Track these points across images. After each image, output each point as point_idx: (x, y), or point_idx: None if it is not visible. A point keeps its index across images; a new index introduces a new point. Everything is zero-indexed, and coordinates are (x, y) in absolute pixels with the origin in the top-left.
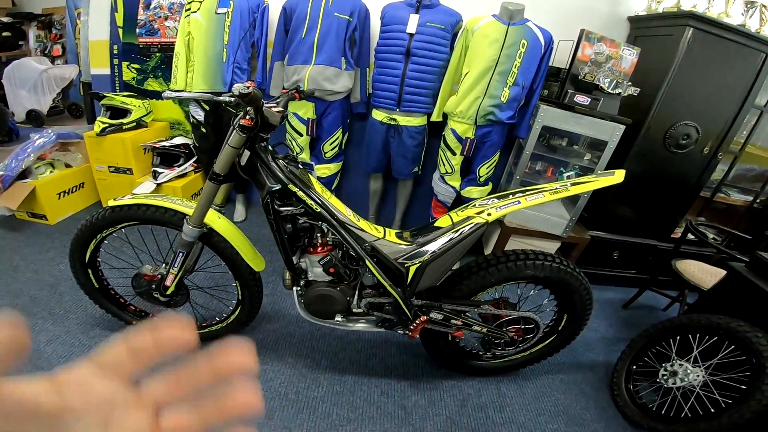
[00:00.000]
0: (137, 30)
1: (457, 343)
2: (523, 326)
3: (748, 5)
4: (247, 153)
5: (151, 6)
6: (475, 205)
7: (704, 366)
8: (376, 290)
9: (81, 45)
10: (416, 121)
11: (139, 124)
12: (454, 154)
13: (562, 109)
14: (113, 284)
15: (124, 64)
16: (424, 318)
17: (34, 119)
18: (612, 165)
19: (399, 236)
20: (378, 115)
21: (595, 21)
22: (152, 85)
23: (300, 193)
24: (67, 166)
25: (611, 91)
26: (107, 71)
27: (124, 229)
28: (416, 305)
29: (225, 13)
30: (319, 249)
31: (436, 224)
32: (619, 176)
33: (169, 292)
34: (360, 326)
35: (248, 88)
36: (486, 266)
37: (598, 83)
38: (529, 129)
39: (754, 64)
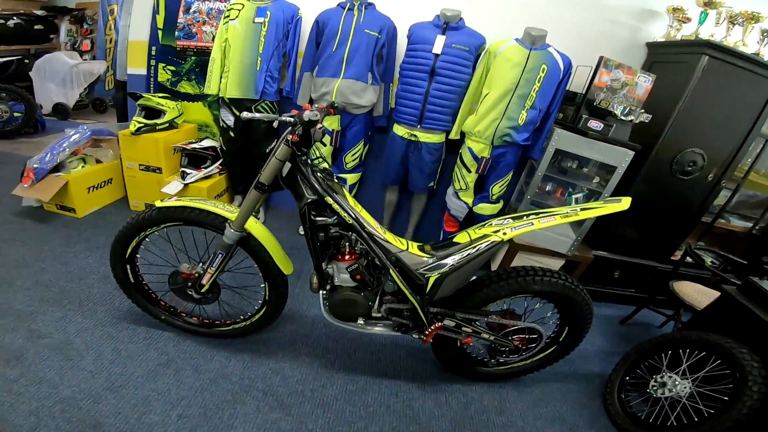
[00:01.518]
0: (176, 33)
1: (465, 350)
2: (527, 336)
3: (765, 34)
4: (288, 165)
5: (191, 10)
6: (491, 224)
7: (691, 378)
8: (396, 297)
9: (119, 44)
10: (436, 138)
11: (171, 125)
12: (469, 171)
13: (575, 133)
14: (147, 280)
15: (161, 65)
16: (438, 324)
17: (61, 112)
18: (619, 188)
19: (421, 249)
20: (399, 130)
21: (614, 46)
22: (185, 87)
23: (335, 206)
24: (98, 161)
25: (624, 118)
26: (143, 71)
27: (166, 229)
28: (432, 312)
29: (262, 23)
30: (347, 257)
31: (455, 240)
32: (625, 204)
33: (204, 290)
34: (378, 329)
35: (316, 115)
36: (498, 280)
37: (612, 110)
38: (542, 151)
39: (764, 93)
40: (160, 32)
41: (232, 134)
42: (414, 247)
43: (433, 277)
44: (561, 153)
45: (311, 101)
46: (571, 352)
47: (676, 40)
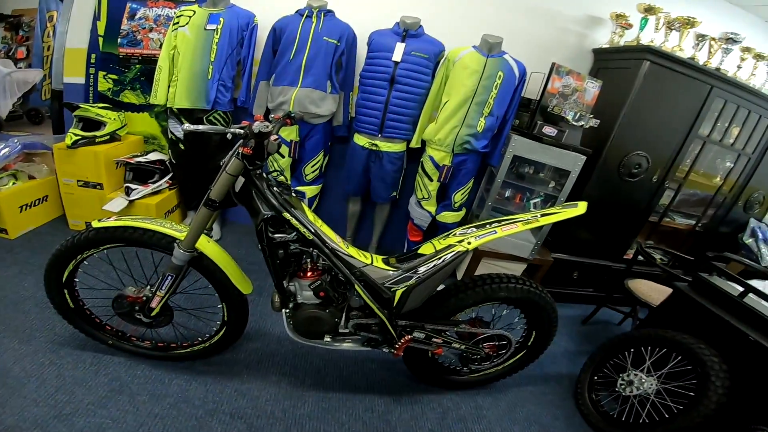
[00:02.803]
0: (118, 40)
1: (436, 360)
2: (497, 343)
3: (699, 38)
4: (241, 180)
5: (137, 17)
6: (455, 233)
7: (656, 375)
8: (363, 312)
9: (55, 51)
10: (396, 147)
11: (113, 137)
12: (431, 180)
13: (531, 139)
14: (89, 304)
15: (101, 74)
16: (408, 337)
17: None
18: (573, 192)
19: (386, 262)
20: (360, 140)
21: (563, 53)
22: (129, 97)
23: (294, 221)
24: (31, 177)
25: (575, 123)
26: (82, 80)
27: (106, 251)
28: (401, 325)
29: (214, 30)
30: (309, 274)
31: (419, 251)
32: (581, 208)
33: (154, 313)
34: (346, 345)
35: (267, 127)
36: (464, 289)
37: (564, 115)
38: (500, 157)
39: (700, 96)
40: (100, 39)
41: (182, 146)
42: (378, 261)
43: (400, 290)
44: (518, 159)
45: (268, 111)
46: (541, 355)
47: (619, 46)
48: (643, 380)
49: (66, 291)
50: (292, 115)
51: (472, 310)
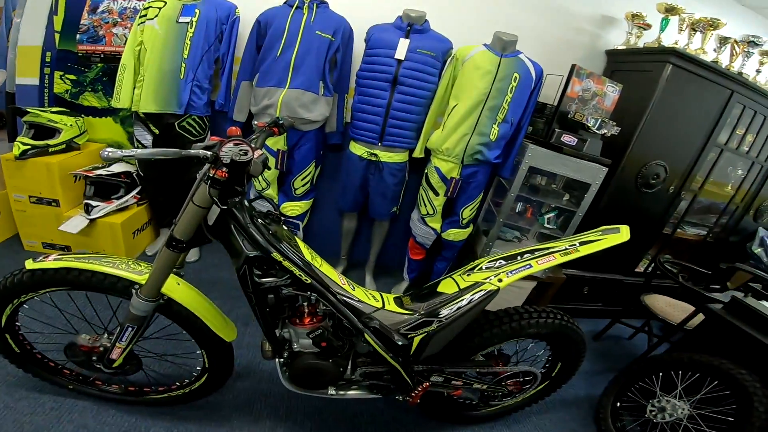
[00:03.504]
0: (78, 36)
1: (452, 398)
2: (521, 379)
3: (722, 41)
4: (216, 210)
5: (99, 10)
6: (481, 268)
7: (689, 401)
8: (373, 358)
9: (9, 49)
10: (398, 157)
11: (70, 146)
12: (437, 194)
13: (549, 149)
14: (40, 348)
15: (57, 74)
16: (426, 384)
17: None
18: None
19: (398, 303)
20: (357, 149)
21: (574, 53)
22: (89, 99)
23: (286, 263)
24: None
25: (596, 131)
26: (36, 81)
27: (49, 294)
28: (416, 371)
29: (188, 23)
30: (307, 320)
31: (439, 289)
32: (624, 234)
33: (116, 365)
34: (353, 393)
35: (246, 154)
36: (490, 327)
37: (585, 123)
38: (512, 169)
39: (720, 101)
40: (57, 35)
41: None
42: (391, 302)
43: (418, 337)
44: (532, 170)
45: (250, 116)
46: (564, 385)
47: (637, 48)
48: (677, 407)
49: (8, 336)
50: (281, 122)
51: (495, 346)
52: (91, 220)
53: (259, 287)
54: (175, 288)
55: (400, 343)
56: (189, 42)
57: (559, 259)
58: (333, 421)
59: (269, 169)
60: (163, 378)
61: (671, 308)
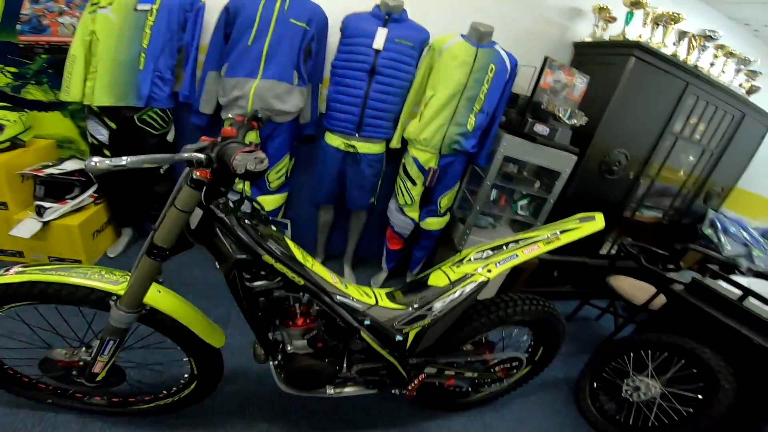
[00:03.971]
0: (18, 26)
1: (442, 387)
2: (509, 365)
3: (681, 35)
4: (199, 212)
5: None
6: (469, 259)
7: (660, 380)
8: (367, 354)
9: None
10: (376, 148)
11: (15, 143)
12: (414, 184)
13: (523, 138)
14: (10, 364)
15: None
16: (422, 376)
17: None
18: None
19: (391, 298)
20: (333, 140)
21: (542, 45)
22: (33, 93)
23: (278, 266)
24: None
25: (567, 121)
26: None
27: (13, 309)
28: (411, 365)
29: (147, 11)
30: (300, 321)
31: (429, 282)
32: (600, 222)
33: (99, 379)
34: (349, 391)
35: (262, 162)
36: (478, 316)
37: (557, 113)
38: (487, 158)
39: (676, 92)
40: None
41: (107, 152)
42: (383, 298)
43: (413, 332)
44: (506, 158)
45: (219, 107)
46: (545, 368)
47: (603, 41)
48: (650, 386)
49: None
50: (259, 115)
51: (483, 334)
52: (45, 223)
53: (250, 291)
54: (157, 296)
55: (397, 339)
56: (149, 31)
57: (542, 248)
58: (327, 419)
59: None
60: (149, 387)
61: (635, 289)
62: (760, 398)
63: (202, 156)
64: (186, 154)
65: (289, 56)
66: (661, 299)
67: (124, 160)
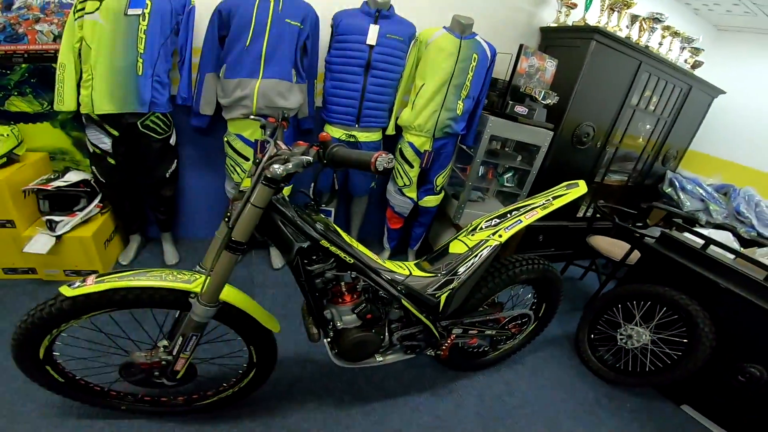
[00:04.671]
0: None
1: (464, 348)
2: (519, 321)
3: (633, 19)
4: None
5: (15, 6)
6: (480, 227)
7: (648, 327)
8: (404, 322)
9: None
10: (375, 136)
11: (10, 158)
12: (411, 167)
13: (505, 119)
14: (82, 375)
15: None
16: (453, 336)
17: None
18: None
19: (420, 268)
20: (334, 132)
21: (512, 31)
22: (18, 104)
23: (333, 249)
24: None
25: (542, 101)
26: None
27: (89, 319)
28: (443, 326)
29: (139, 15)
30: (348, 298)
31: (450, 250)
32: (583, 187)
33: (179, 376)
34: (391, 358)
35: (391, 161)
36: (491, 279)
37: (534, 94)
38: (475, 138)
39: (632, 70)
40: None
41: (111, 161)
42: (415, 269)
43: (444, 295)
44: (492, 137)
45: (219, 107)
46: (549, 324)
47: (567, 26)
48: (641, 333)
49: (48, 367)
50: (286, 115)
51: (495, 295)
52: (58, 237)
53: (310, 274)
54: (226, 291)
55: (432, 303)
56: (143, 35)
57: (540, 213)
58: (367, 388)
59: (248, 160)
60: (211, 382)
61: (612, 246)
62: (737, 339)
63: (310, 158)
64: (307, 157)
65: (288, 55)
66: (636, 254)
67: (290, 165)
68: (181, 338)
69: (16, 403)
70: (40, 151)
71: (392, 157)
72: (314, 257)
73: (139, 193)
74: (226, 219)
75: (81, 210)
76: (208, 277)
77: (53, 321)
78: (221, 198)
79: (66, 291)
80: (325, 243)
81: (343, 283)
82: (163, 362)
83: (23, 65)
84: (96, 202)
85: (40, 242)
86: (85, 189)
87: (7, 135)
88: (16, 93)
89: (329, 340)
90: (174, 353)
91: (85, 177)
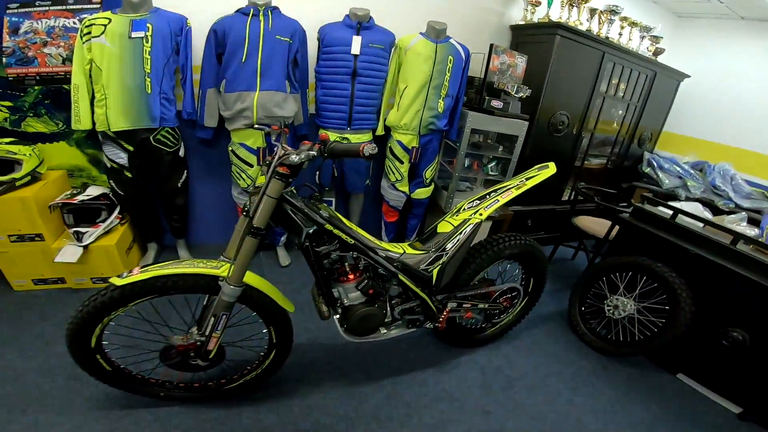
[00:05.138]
0: (3, 59)
1: (462, 325)
2: (510, 295)
3: (591, 12)
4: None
5: (22, 31)
6: (464, 208)
7: (632, 296)
8: (402, 297)
9: None
10: (365, 137)
11: (34, 176)
12: (402, 163)
13: (483, 113)
14: (123, 363)
15: None
16: (448, 308)
17: None
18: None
19: (413, 247)
20: (329, 136)
21: (487, 31)
22: (34, 125)
23: (336, 231)
24: None
25: (515, 95)
26: None
27: (134, 306)
28: (437, 300)
29: (143, 38)
30: (352, 276)
31: (438, 230)
32: (552, 168)
33: (212, 356)
34: (394, 332)
35: (375, 149)
36: (477, 255)
37: (507, 89)
38: (458, 132)
39: (596, 61)
40: None
41: (128, 174)
42: (408, 248)
43: (436, 269)
44: (473, 131)
45: (221, 120)
46: (539, 298)
47: (533, 23)
48: (626, 303)
49: (98, 356)
50: (287, 124)
51: (483, 272)
52: (85, 247)
53: (319, 255)
54: (247, 275)
55: (425, 276)
56: (149, 56)
57: (515, 192)
58: (376, 367)
59: (251, 166)
60: (235, 365)
61: (596, 225)
62: (716, 304)
63: (314, 153)
64: (312, 152)
65: (281, 68)
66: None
67: (303, 155)
68: (212, 318)
69: (64, 399)
70: (59, 169)
71: (375, 145)
72: (321, 240)
73: (153, 204)
74: (245, 213)
75: (103, 221)
76: (232, 266)
77: (105, 309)
78: (228, 204)
79: (116, 281)
80: (329, 227)
81: (346, 264)
82: (198, 343)
83: (36, 87)
84: (115, 213)
85: (69, 252)
86: (105, 202)
87: (29, 155)
88: (31, 114)
89: (338, 316)
90: (207, 333)
91: (105, 191)
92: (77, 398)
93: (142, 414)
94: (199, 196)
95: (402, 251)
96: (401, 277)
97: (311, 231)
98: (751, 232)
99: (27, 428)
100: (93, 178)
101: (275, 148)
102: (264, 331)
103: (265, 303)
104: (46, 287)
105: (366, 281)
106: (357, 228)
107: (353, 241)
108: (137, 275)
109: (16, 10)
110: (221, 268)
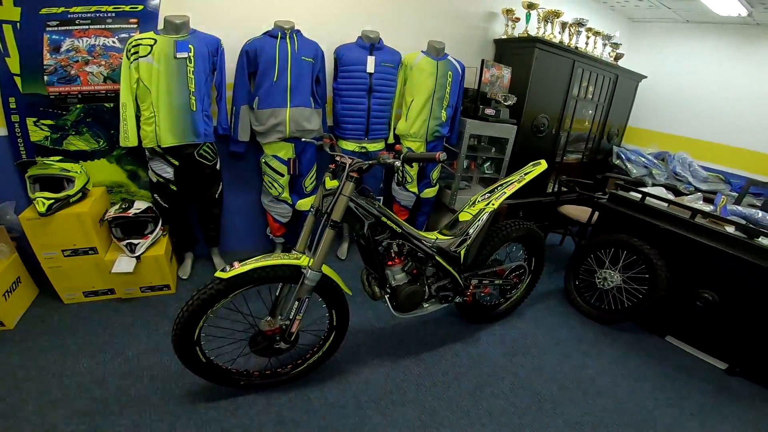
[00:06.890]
0: (45, 78)
1: (480, 302)
2: (518, 272)
3: (563, 26)
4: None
5: (63, 49)
6: (477, 201)
7: (617, 269)
8: (435, 276)
9: None
10: (380, 145)
11: (83, 193)
12: (411, 166)
13: (479, 120)
14: (210, 355)
15: (30, 120)
16: (474, 283)
17: None
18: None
19: (442, 234)
20: (348, 145)
21: (473, 46)
22: (76, 143)
23: (389, 222)
24: None
25: (504, 103)
26: (3, 132)
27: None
28: (465, 277)
29: (186, 58)
30: (398, 260)
31: (460, 219)
32: (544, 164)
33: (293, 338)
34: (431, 308)
35: (445, 155)
36: (491, 239)
37: (498, 98)
38: (457, 137)
39: (568, 68)
40: (17, 79)
41: (173, 188)
42: (438, 235)
43: (462, 250)
44: (471, 136)
45: (252, 134)
46: (541, 275)
47: (514, 37)
48: (612, 275)
49: (197, 348)
50: (328, 134)
51: (495, 253)
52: (138, 257)
53: (376, 243)
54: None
55: (456, 255)
56: (192, 76)
57: (517, 185)
58: (413, 343)
59: (282, 175)
60: (299, 353)
61: (578, 212)
62: (686, 270)
63: (394, 161)
64: (390, 159)
65: (307, 86)
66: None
67: (389, 159)
68: (297, 302)
69: (151, 398)
70: (100, 185)
71: (446, 153)
72: (376, 230)
73: (188, 217)
74: (313, 212)
75: (151, 233)
76: (311, 258)
77: (211, 301)
78: (257, 213)
79: (221, 275)
80: (384, 219)
81: (392, 251)
82: (283, 326)
83: (78, 105)
84: (160, 225)
85: (124, 263)
86: (152, 214)
87: (79, 172)
88: (73, 132)
89: (388, 296)
90: (291, 317)
91: (149, 205)
92: (163, 396)
93: (224, 405)
94: (227, 207)
95: (435, 238)
96: (438, 258)
97: (371, 222)
98: (707, 208)
99: (128, 429)
100: (131, 193)
101: (335, 157)
102: (326, 315)
103: (331, 287)
104: (96, 299)
105: (410, 263)
106: (400, 219)
107: (401, 230)
108: (238, 269)
109: (56, 28)
110: (301, 259)
